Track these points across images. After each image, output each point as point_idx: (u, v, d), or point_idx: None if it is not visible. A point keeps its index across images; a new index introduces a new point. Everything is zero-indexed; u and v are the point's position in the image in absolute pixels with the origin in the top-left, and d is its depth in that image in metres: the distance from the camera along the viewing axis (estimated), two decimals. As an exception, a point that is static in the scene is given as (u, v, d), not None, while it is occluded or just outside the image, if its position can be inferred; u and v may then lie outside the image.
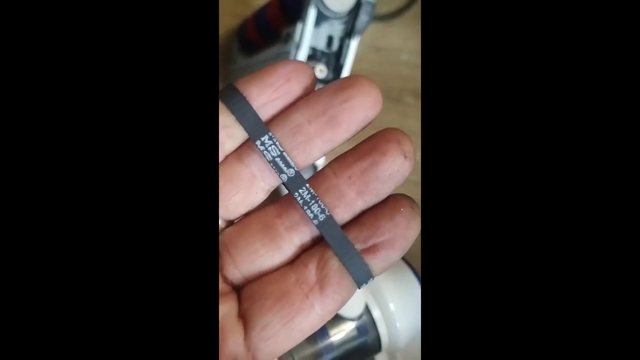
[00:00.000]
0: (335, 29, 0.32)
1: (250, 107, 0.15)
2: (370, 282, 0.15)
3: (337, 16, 0.31)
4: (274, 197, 0.17)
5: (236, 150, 0.16)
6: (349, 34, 0.32)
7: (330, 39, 0.32)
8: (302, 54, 0.31)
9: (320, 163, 0.35)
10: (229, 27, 0.53)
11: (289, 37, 0.32)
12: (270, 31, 0.40)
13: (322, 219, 0.15)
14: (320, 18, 0.31)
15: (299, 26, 0.30)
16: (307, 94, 0.15)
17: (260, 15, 0.42)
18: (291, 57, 0.31)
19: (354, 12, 0.31)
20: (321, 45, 0.32)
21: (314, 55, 0.32)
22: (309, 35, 0.30)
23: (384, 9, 0.54)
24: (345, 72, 0.33)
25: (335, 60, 0.33)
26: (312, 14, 0.30)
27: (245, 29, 0.48)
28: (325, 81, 0.32)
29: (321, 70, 0.32)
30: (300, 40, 0.30)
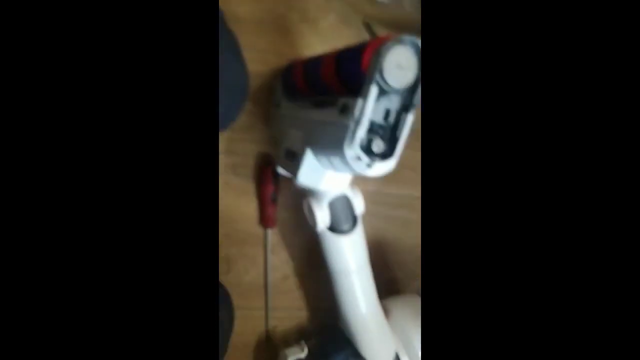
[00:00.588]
0: (393, 103, 0.31)
1: None
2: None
3: (397, 92, 0.30)
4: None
5: None
6: (406, 108, 0.31)
7: (387, 113, 0.32)
8: (362, 131, 0.30)
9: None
10: (272, 66, 0.53)
11: (346, 109, 0.31)
12: (321, 87, 0.39)
13: None
14: (380, 93, 0.30)
15: (359, 102, 0.30)
16: None
17: (311, 69, 0.42)
18: (349, 132, 0.31)
19: (413, 87, 0.30)
20: (379, 118, 0.32)
21: (372, 129, 0.31)
22: (369, 112, 0.30)
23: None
24: (401, 145, 0.32)
25: (390, 133, 0.32)
26: (373, 92, 0.29)
27: (291, 74, 0.47)
28: (381, 155, 0.31)
29: (378, 146, 0.31)
30: (360, 116, 0.30)
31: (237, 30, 0.51)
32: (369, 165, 0.31)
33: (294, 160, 0.40)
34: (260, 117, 0.54)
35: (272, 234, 0.55)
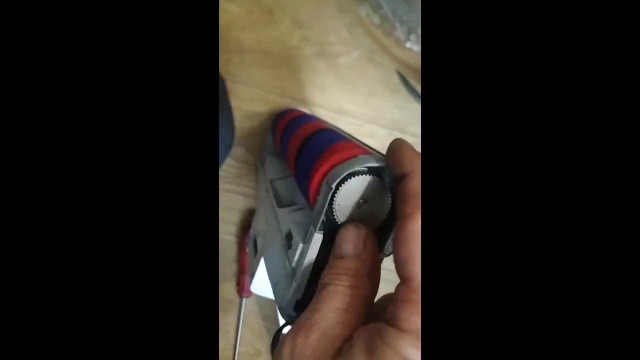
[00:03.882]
0: None
1: None
2: None
3: None
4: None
5: None
6: None
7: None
8: (299, 285, 0.20)
9: None
10: (273, 107, 0.44)
11: (289, 240, 0.22)
12: (285, 158, 0.30)
13: None
14: (330, 238, 0.20)
15: (299, 247, 0.20)
16: None
17: (289, 131, 0.32)
18: (284, 280, 0.21)
19: (384, 225, 0.20)
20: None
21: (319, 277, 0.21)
22: (310, 260, 0.20)
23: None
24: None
25: None
26: (317, 239, 0.20)
27: (277, 124, 0.38)
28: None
29: None
30: (298, 264, 0.20)
31: (238, 61, 0.43)
32: None
33: (256, 255, 0.31)
34: (252, 166, 0.45)
35: (248, 304, 0.46)
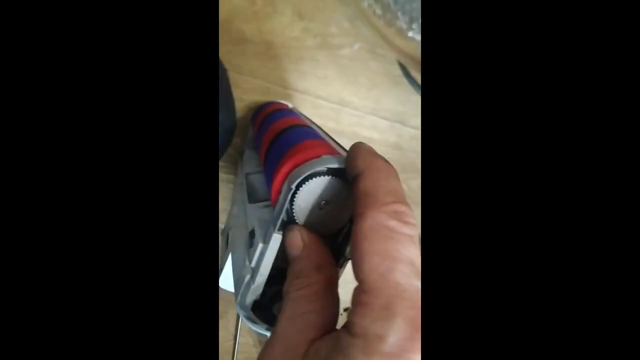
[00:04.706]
0: None
1: None
2: None
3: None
4: None
5: None
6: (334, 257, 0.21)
7: None
8: (257, 286, 0.20)
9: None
10: (273, 99, 0.44)
11: (252, 237, 0.22)
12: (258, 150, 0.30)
13: None
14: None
15: (259, 246, 0.20)
16: None
17: (266, 123, 0.32)
18: (243, 282, 0.21)
19: (342, 229, 0.20)
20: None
21: (278, 279, 0.21)
22: (269, 261, 0.20)
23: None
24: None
25: None
26: (276, 240, 0.19)
27: (256, 117, 0.38)
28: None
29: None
30: (257, 265, 0.20)
31: (240, 52, 0.43)
32: (269, 331, 0.21)
33: (226, 249, 0.31)
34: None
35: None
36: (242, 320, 0.47)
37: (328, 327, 0.17)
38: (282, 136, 0.26)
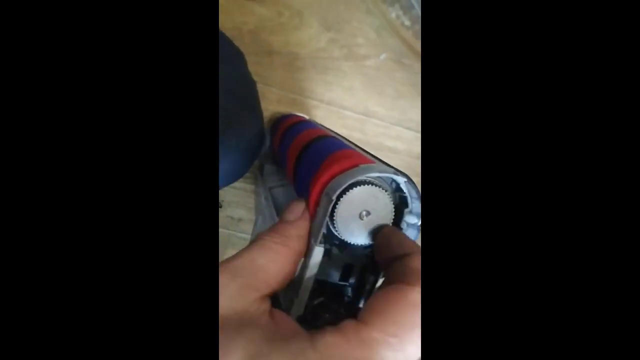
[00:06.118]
0: (357, 257, 0.21)
1: None
2: None
3: (359, 247, 0.20)
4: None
5: None
6: (373, 268, 0.21)
7: (348, 270, 0.21)
8: (300, 301, 0.20)
9: None
10: (298, 110, 0.44)
11: None
12: (284, 165, 0.30)
13: None
14: (331, 251, 0.20)
15: (299, 262, 0.20)
16: None
17: (287, 139, 0.32)
18: (285, 298, 0.21)
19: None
20: (333, 277, 0.22)
21: (322, 291, 0.21)
22: (311, 275, 0.19)
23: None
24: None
25: (354, 296, 0.21)
26: (318, 253, 0.19)
27: (275, 130, 0.38)
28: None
29: (329, 320, 0.20)
30: (299, 279, 0.20)
31: (267, 64, 0.43)
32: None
33: None
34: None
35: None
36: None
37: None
38: (311, 148, 0.26)
